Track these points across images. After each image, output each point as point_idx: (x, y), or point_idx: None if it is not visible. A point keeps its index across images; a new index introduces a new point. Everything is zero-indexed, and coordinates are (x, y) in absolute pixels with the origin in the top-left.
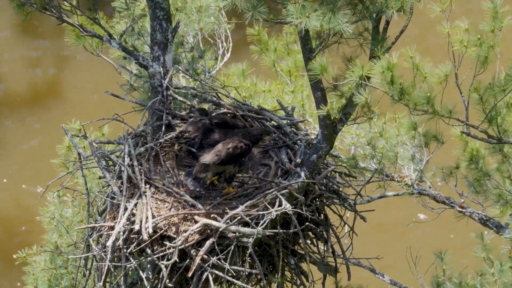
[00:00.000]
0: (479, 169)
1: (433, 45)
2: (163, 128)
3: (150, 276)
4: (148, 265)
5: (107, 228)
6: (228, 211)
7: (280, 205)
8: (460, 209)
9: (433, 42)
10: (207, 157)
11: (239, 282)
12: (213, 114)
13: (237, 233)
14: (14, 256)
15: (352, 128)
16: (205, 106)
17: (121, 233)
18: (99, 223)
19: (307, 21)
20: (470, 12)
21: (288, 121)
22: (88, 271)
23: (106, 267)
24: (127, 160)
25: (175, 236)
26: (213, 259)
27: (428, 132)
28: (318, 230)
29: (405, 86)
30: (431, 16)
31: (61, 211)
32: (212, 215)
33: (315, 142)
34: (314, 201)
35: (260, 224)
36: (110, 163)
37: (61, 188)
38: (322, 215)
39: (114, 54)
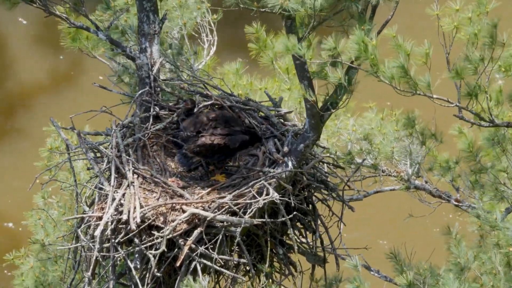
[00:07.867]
0: (477, 162)
1: (423, 34)
2: (151, 119)
3: (138, 266)
4: (136, 255)
5: (95, 218)
6: (216, 200)
7: (267, 194)
8: (456, 203)
9: (423, 33)
10: (190, 146)
11: (227, 272)
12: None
13: (225, 223)
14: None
15: (348, 124)
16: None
17: (109, 223)
18: (87, 213)
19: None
20: None
21: (276, 112)
22: (77, 263)
23: (94, 258)
24: (114, 150)
25: (163, 225)
26: (201, 249)
27: (425, 130)
28: (307, 220)
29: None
30: None
31: (48, 212)
32: (199, 205)
33: (302, 131)
34: (302, 191)
35: (247, 213)
36: (98, 154)
37: (50, 180)
38: (310, 205)
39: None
